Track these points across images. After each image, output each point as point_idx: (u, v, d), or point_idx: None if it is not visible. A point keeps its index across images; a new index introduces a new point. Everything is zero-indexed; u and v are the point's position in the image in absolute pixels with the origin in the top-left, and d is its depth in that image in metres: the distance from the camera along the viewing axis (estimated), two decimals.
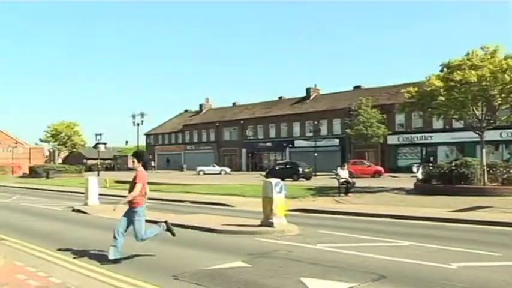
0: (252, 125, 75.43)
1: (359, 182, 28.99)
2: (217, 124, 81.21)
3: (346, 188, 25.32)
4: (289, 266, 8.86)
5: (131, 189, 9.31)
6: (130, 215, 9.36)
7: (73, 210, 20.36)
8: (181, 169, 76.47)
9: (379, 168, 49.30)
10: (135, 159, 9.57)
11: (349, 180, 26.15)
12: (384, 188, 28.03)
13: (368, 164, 49.82)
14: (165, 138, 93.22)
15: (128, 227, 9.41)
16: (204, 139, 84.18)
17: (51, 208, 22.05)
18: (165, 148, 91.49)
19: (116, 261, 9.10)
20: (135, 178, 9.35)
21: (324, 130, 63.63)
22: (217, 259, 9.48)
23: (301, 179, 42.92)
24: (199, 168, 65.74)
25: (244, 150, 75.57)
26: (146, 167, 9.64)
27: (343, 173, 26.06)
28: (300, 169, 44.34)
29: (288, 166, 47.19)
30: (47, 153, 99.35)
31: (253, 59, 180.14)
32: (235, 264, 9.03)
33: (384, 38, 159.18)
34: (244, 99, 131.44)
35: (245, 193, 28.06)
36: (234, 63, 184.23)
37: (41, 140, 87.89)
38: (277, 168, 47.75)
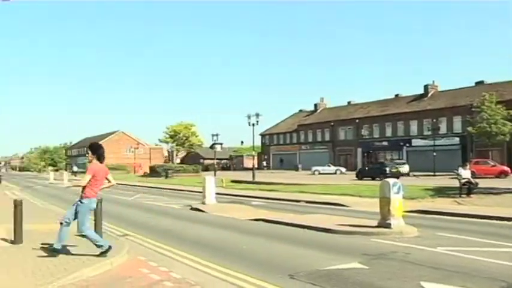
0: (368, 124, 73.82)
1: (482, 183, 27.26)
2: (332, 123, 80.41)
3: (468, 189, 23.91)
4: (408, 269, 8.47)
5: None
6: (77, 205, 9.06)
7: (191, 209, 21.03)
8: (296, 169, 76.57)
9: (505, 168, 46.07)
10: (89, 152, 9.44)
11: (472, 180, 24.66)
12: (510, 190, 26.16)
13: (493, 163, 46.73)
14: (279, 138, 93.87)
15: (75, 217, 9.10)
16: (319, 139, 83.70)
17: (171, 206, 22.95)
18: (280, 148, 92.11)
19: (54, 250, 8.96)
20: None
21: (443, 128, 60.65)
22: (332, 259, 9.29)
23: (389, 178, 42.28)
24: (314, 168, 65.50)
25: (359, 150, 74.16)
26: (101, 160, 9.40)
27: (465, 173, 24.62)
28: (387, 169, 44.91)
29: (375, 166, 49.27)
30: (166, 154, 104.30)
31: (368, 57, 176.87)
32: (351, 265, 8.78)
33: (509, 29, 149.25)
34: (360, 97, 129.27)
35: (360, 193, 27.50)
36: (348, 62, 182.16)
37: (160, 141, 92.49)
38: (366, 168, 49.78)
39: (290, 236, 12.63)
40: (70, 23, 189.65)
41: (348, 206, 21.60)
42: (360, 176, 46.22)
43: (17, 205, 10.51)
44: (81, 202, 8.94)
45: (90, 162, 9.39)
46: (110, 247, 9.02)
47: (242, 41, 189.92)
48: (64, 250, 9.08)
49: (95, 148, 9.48)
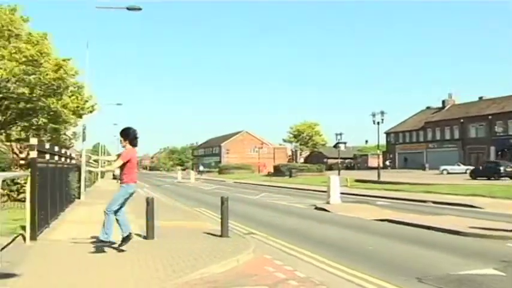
0: (502, 120, 69.16)
1: None
2: (461, 120, 76.37)
3: None
4: None
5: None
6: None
7: (316, 208, 21.01)
8: (423, 168, 73.63)
9: None
10: (121, 139, 9.29)
11: None
12: None
13: None
14: (405, 137, 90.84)
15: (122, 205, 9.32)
16: (447, 137, 79.91)
17: (295, 205, 23.09)
18: (406, 147, 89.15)
19: (101, 242, 9.12)
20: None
21: None
22: (464, 264, 8.80)
23: (503, 178, 41.64)
24: (442, 167, 62.71)
25: (492, 148, 69.59)
26: (134, 144, 9.25)
27: None
28: (502, 168, 43.68)
29: (490, 165, 47.30)
30: (290, 153, 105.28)
31: (500, 49, 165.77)
32: (485, 271, 8.24)
33: None
34: (492, 92, 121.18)
35: (493, 194, 25.80)
36: (479, 56, 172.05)
37: (284, 141, 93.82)
38: (481, 167, 47.97)
39: (416, 238, 12.17)
40: (197, 24, 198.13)
41: (479, 208, 20.32)
42: (474, 175, 44.62)
43: (149, 202, 11.14)
44: (121, 187, 9.32)
45: (124, 147, 9.39)
46: (111, 242, 9.29)
47: (366, 39, 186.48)
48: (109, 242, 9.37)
49: (126, 133, 9.37)
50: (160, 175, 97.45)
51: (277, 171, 70.80)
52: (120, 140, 9.48)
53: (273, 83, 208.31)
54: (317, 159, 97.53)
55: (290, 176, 62.75)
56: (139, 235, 11.34)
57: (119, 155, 9.42)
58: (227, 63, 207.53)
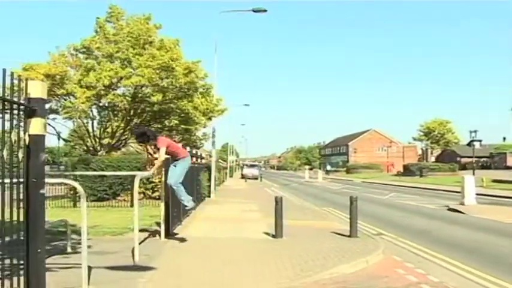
0: None
1: None
2: None
3: None
4: None
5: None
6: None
7: (448, 209, 19.97)
8: None
9: None
10: (144, 142, 10.00)
11: None
12: None
13: None
14: None
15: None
16: None
17: (425, 206, 22.12)
18: None
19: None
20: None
21: None
22: None
23: None
24: None
25: None
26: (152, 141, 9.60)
27: None
28: None
29: None
30: (420, 152, 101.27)
31: None
32: None
33: None
34: None
35: None
36: None
37: (414, 139, 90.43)
38: None
39: None
40: (320, 23, 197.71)
41: None
42: None
43: (278, 202, 11.17)
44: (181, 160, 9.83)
45: (156, 147, 9.65)
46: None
47: (501, 33, 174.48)
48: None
49: (147, 135, 9.72)
50: (287, 174, 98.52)
51: (407, 170, 68.53)
52: (152, 145, 9.85)
53: (401, 80, 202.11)
54: (449, 158, 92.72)
55: (420, 175, 60.35)
56: (267, 234, 11.44)
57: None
58: (353, 61, 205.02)
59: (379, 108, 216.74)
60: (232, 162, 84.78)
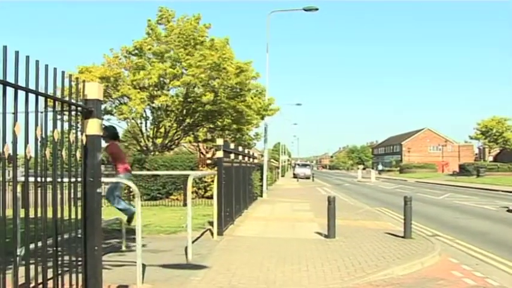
0: None
1: None
2: None
3: None
4: None
5: None
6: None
7: (508, 211, 19.28)
8: None
9: None
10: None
11: None
12: None
13: None
14: None
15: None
16: None
17: (483, 207, 21.44)
18: None
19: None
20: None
21: None
22: None
23: None
24: None
25: None
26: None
27: None
28: None
29: None
30: (477, 151, 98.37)
31: None
32: None
33: None
34: None
35: None
36: None
37: (470, 138, 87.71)
38: None
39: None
40: (372, 23, 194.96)
41: None
42: None
43: (330, 202, 11.07)
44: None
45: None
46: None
47: None
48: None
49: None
50: (339, 174, 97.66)
51: (463, 170, 66.78)
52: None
53: (456, 78, 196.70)
54: (509, 157, 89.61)
55: (478, 175, 58.53)
56: (320, 234, 11.37)
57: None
58: (407, 60, 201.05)
59: (433, 107, 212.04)
60: (284, 161, 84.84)
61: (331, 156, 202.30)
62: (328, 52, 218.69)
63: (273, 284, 6.78)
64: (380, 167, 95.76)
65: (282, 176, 67.49)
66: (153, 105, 23.02)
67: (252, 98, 24.04)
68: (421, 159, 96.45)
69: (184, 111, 23.42)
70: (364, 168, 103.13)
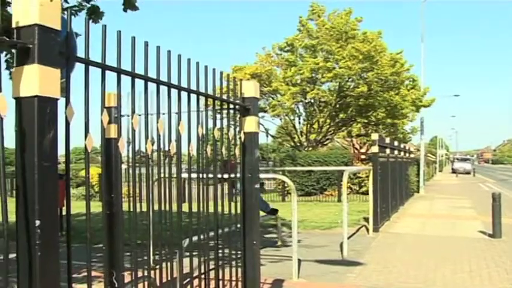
0: None
1: None
2: None
3: None
4: None
5: None
6: None
7: None
8: None
9: None
10: None
11: None
12: None
13: None
14: None
15: None
16: None
17: None
18: None
19: None
20: None
21: None
22: None
23: None
24: None
25: None
26: None
27: None
28: None
29: None
30: None
31: None
32: None
33: None
34: None
35: None
36: None
37: None
38: None
39: None
40: None
41: None
42: None
43: (495, 198, 10.30)
44: None
45: None
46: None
47: None
48: None
49: None
50: (504, 169, 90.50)
51: None
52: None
53: None
54: None
55: None
56: (483, 233, 10.64)
57: None
58: None
59: None
60: (442, 156, 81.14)
61: (494, 150, 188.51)
62: (488, 40, 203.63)
63: (433, 284, 6.45)
64: None
65: (440, 171, 64.41)
66: (306, 100, 23.28)
67: (406, 90, 23.29)
68: None
69: (338, 105, 23.36)
70: None
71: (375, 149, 11.09)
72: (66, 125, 2.07)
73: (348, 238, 8.65)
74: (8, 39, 1.84)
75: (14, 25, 1.87)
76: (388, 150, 12.95)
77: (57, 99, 1.92)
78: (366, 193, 15.48)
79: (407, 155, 19.09)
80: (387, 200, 12.39)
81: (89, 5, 6.38)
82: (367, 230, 10.62)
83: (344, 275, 6.87)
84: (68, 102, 2.08)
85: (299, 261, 6.57)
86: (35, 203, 1.82)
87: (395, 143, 15.24)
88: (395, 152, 14.82)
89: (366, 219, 11.25)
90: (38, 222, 1.82)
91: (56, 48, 1.94)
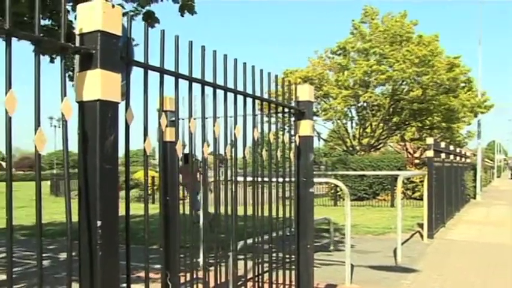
0: None
1: None
2: None
3: None
4: None
5: None
6: None
7: None
8: None
9: None
10: None
11: None
12: None
13: None
14: None
15: None
16: None
17: None
18: None
19: None
20: None
21: None
22: None
23: None
24: None
25: None
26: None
27: None
28: None
29: None
30: None
31: None
32: None
33: None
34: None
35: None
36: None
37: None
38: None
39: None
40: None
41: None
42: None
43: None
44: None
45: None
46: None
47: None
48: None
49: None
50: None
51: None
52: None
53: None
54: None
55: None
56: None
57: None
58: None
59: None
60: (500, 161, 78.62)
61: None
62: None
63: None
64: None
65: (498, 176, 62.41)
66: (359, 104, 23.06)
67: (463, 94, 22.73)
68: None
69: (391, 109, 23.01)
70: None
71: (430, 153, 10.86)
72: (126, 128, 2.12)
73: (402, 244, 8.48)
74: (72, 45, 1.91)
75: (77, 31, 1.94)
76: (443, 155, 12.65)
77: (118, 103, 1.97)
78: (420, 198, 15.16)
79: (463, 159, 18.60)
80: (442, 206, 12.09)
81: (144, 10, 6.54)
82: (421, 236, 10.39)
83: (398, 281, 6.74)
84: (127, 105, 2.13)
85: (352, 266, 6.49)
86: (97, 204, 1.87)
87: (451, 147, 14.87)
88: (451, 156, 14.46)
89: (420, 225, 11.01)
90: (99, 223, 1.87)
91: (117, 53, 2.00)
